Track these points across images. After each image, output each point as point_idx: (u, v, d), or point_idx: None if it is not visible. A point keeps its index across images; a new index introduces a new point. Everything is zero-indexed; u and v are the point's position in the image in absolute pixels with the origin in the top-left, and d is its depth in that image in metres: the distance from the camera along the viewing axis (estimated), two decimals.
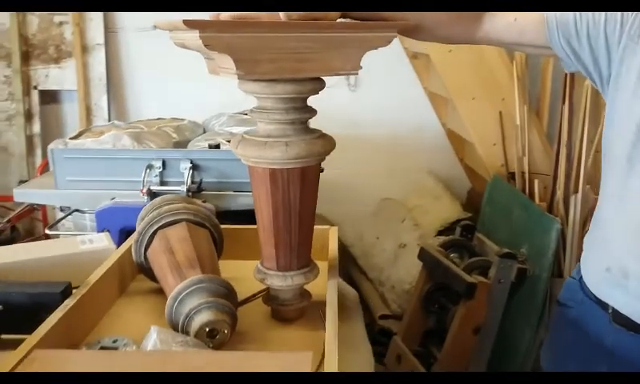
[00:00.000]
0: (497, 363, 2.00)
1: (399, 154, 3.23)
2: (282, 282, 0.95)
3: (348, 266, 3.06)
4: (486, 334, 2.03)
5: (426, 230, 2.76)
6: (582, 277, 1.05)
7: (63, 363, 0.73)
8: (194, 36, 0.79)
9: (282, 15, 0.82)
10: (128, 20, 3.10)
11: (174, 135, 2.14)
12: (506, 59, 2.39)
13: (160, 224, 1.06)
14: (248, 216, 1.60)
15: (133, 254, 1.09)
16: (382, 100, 3.18)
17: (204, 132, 2.29)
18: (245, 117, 2.34)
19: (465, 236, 2.41)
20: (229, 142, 1.97)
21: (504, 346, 2.07)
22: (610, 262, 0.96)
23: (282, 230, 0.93)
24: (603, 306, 0.99)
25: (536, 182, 2.22)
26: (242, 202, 1.60)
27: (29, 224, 2.86)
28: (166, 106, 3.05)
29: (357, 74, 0.91)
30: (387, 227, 2.88)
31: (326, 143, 0.92)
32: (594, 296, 1.01)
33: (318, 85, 0.90)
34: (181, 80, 2.98)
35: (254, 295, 1.03)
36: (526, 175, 2.31)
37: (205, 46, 0.78)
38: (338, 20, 0.91)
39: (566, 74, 2.30)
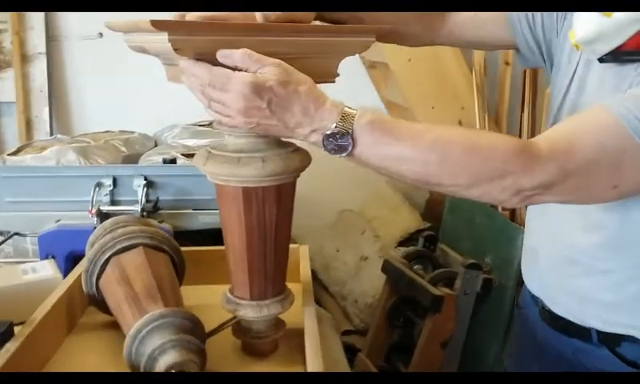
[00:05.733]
0: None
1: (356, 165, 3.18)
2: (257, 312, 0.86)
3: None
4: (452, 347, 1.99)
5: (387, 241, 2.70)
6: None
7: None
8: (159, 39, 0.69)
9: (258, 16, 0.74)
10: (72, 28, 2.94)
11: (124, 149, 2.02)
12: (465, 68, 2.38)
13: (114, 250, 0.96)
14: (209, 235, 1.50)
15: (83, 284, 0.98)
16: None
17: (155, 145, 2.17)
18: (200, 128, 2.22)
19: (427, 247, 2.37)
20: (185, 155, 1.86)
21: (471, 359, 2.03)
22: (527, 243, 1.02)
23: (257, 254, 0.84)
24: (535, 301, 1.00)
25: None
26: (203, 220, 1.48)
27: None
28: (114, 118, 2.88)
29: (334, 81, 0.84)
30: (347, 239, 2.81)
31: (304, 158, 0.84)
32: (529, 291, 1.02)
33: None
34: (129, 91, 2.84)
35: (221, 326, 0.93)
36: None
37: (174, 50, 0.69)
38: (313, 22, 0.84)
39: (524, 83, 2.31)
